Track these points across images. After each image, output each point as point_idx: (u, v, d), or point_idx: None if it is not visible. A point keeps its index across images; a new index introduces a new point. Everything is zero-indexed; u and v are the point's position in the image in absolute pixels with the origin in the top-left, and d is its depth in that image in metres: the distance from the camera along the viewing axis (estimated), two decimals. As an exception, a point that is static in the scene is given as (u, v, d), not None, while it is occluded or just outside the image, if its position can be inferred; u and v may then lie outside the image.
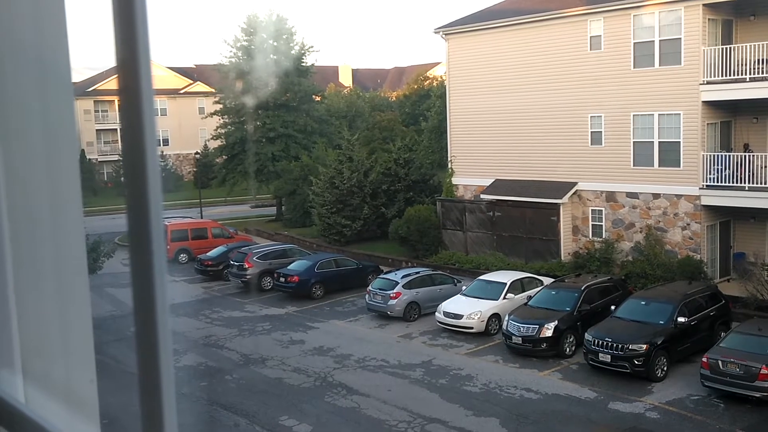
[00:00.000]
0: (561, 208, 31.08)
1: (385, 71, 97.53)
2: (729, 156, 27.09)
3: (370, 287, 27.93)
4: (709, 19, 27.12)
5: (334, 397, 19.71)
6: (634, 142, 29.18)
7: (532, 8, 32.42)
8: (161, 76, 76.14)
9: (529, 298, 24.39)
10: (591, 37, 30.11)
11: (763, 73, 25.74)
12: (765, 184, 25.93)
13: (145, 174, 0.99)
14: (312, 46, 51.87)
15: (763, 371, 17.55)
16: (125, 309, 28.74)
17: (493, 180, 33.74)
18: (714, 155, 27.22)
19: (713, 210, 27.84)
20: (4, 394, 1.33)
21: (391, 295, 26.58)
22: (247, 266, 32.61)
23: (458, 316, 24.58)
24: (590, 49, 30.19)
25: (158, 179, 1.01)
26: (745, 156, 26.71)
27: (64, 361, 1.41)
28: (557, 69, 31.15)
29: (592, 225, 30.90)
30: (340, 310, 28.88)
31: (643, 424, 17.44)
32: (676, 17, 27.47)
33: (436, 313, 25.43)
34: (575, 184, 31.03)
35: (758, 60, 25.91)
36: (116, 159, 74.83)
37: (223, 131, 51.96)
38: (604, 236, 30.28)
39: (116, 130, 76.84)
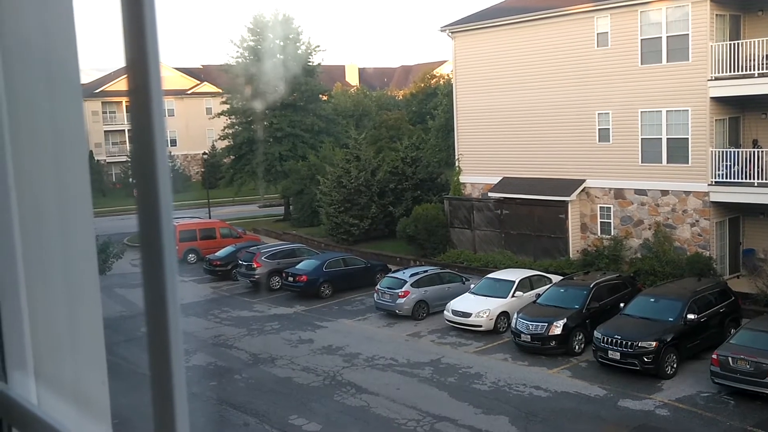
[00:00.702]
0: (569, 205, 31.01)
1: (391, 70, 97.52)
2: (738, 152, 26.98)
3: (378, 286, 27.91)
4: (716, 14, 27.00)
5: (343, 396, 19.72)
6: (642, 138, 29.08)
7: (538, 5, 32.35)
8: (168, 76, 76.28)
9: (538, 296, 24.35)
10: (598, 33, 30.02)
11: (771, 68, 25.63)
12: (774, 179, 25.82)
13: (155, 175, 0.99)
14: (318, 46, 51.94)
15: (774, 368, 17.47)
16: (135, 309, 28.82)
17: (500, 178, 33.69)
18: (722, 151, 27.11)
19: (722, 206, 27.73)
20: (16, 396, 1.33)
21: (400, 293, 26.58)
22: (255, 266, 32.64)
23: (467, 315, 24.56)
24: (597, 46, 30.10)
25: (168, 180, 1.01)
26: (753, 152, 26.59)
27: (75, 362, 1.41)
28: (564, 66, 31.08)
29: (601, 222, 30.82)
30: (349, 309, 28.89)
31: (653, 422, 17.39)
32: (684, 13, 27.37)
33: (445, 312, 25.41)
34: (583, 181, 30.95)
35: (766, 55, 25.79)
36: (124, 160, 75.06)
37: (230, 131, 52.06)
38: (612, 233, 30.20)
39: (124, 131, 77.10)
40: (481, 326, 24.32)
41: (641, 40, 28.63)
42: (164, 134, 1.01)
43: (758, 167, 26.18)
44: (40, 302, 1.40)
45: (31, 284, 1.40)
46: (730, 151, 27.05)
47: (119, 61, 1.04)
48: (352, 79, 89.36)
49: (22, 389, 1.36)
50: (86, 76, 78.86)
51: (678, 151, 28.09)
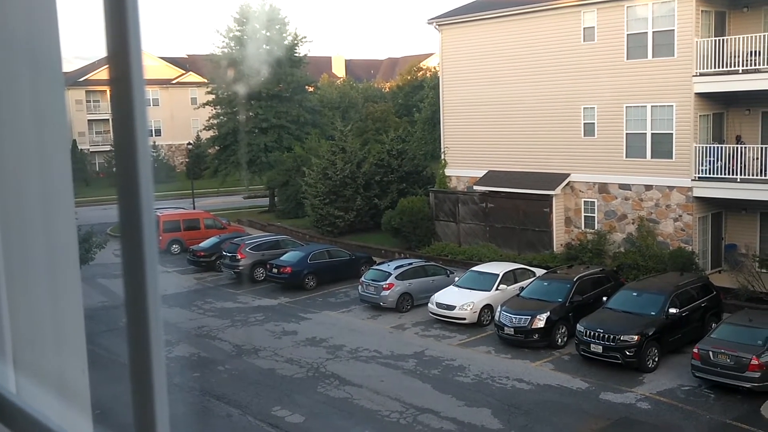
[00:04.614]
0: (554, 199, 31.13)
1: (378, 62, 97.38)
2: (721, 147, 27.17)
3: (362, 278, 27.94)
4: (702, 10, 27.14)
5: (327, 387, 19.74)
6: (626, 133, 29.23)
7: (525, -1, 32.40)
8: (153, 66, 75.81)
9: (522, 289, 24.46)
10: (584, 28, 30.11)
11: (755, 65, 25.79)
12: (756, 175, 26.02)
13: (136, 164, 0.99)
14: (305, 37, 51.86)
15: (754, 362, 17.66)
16: (117, 300, 28.69)
17: (486, 171, 33.77)
18: (706, 147, 27.29)
19: (705, 201, 27.94)
20: (-5, 385, 1.33)
21: (384, 286, 26.61)
22: (239, 257, 32.58)
23: (451, 307, 24.63)
24: (583, 41, 30.19)
25: (149, 170, 1.01)
26: (737, 147, 26.78)
27: (55, 351, 1.41)
28: (551, 60, 31.15)
29: (585, 216, 30.97)
30: (333, 301, 28.90)
31: (634, 415, 17.54)
32: (670, 9, 27.49)
33: (429, 304, 25.47)
34: (568, 175, 31.07)
35: (751, 52, 25.96)
36: (108, 149, 74.56)
37: (215, 122, 51.81)
38: (596, 227, 30.35)
39: (108, 120, 76.57)
40: (464, 319, 24.40)
41: (627, 35, 28.75)
42: (146, 124, 1.00)
43: (741, 163, 26.38)
44: (20, 291, 1.39)
45: (12, 273, 1.39)
46: (714, 147, 27.23)
47: (103, 49, 1.03)
48: (339, 70, 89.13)
49: (1, 378, 1.36)
50: (69, 65, 78.30)
51: (662, 146, 28.25)
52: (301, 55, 51.73)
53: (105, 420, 15.68)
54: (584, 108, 30.46)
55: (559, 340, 22.23)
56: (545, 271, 26.64)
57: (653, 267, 26.36)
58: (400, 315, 26.30)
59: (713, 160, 27.09)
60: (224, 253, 33.64)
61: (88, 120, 76.39)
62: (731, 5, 27.91)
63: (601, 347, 20.15)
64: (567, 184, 31.19)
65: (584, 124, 30.58)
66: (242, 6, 50.41)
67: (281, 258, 31.48)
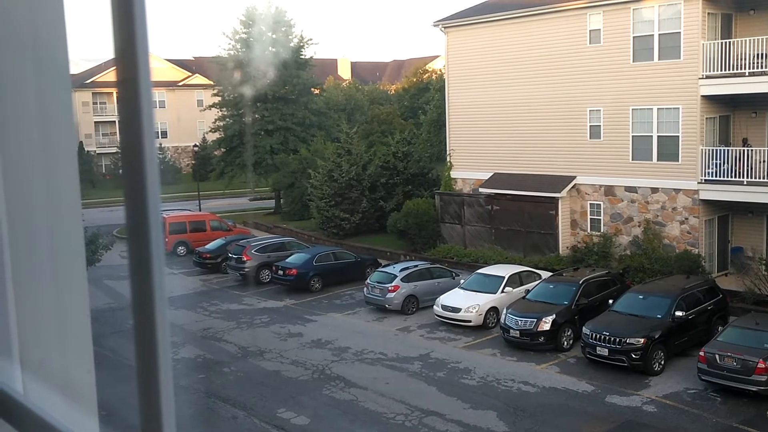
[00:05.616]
0: (559, 201, 31.09)
1: (384, 64, 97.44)
2: (727, 150, 27.10)
3: (368, 280, 27.93)
4: (708, 13, 27.09)
5: (332, 389, 19.74)
6: (632, 136, 29.17)
7: (531, 2, 32.35)
8: (159, 68, 76.00)
9: (527, 291, 24.42)
10: (590, 30, 30.07)
11: (762, 67, 25.72)
12: (763, 178, 25.94)
13: (143, 166, 0.99)
14: (311, 39, 51.99)
15: (760, 365, 17.60)
16: (123, 301, 28.75)
17: (491, 174, 33.73)
18: (712, 149, 27.22)
19: (711, 204, 27.86)
20: (2, 385, 1.33)
21: (390, 288, 26.60)
22: (245, 259, 32.60)
23: (456, 310, 24.61)
24: (589, 43, 30.15)
25: (156, 172, 1.01)
26: (743, 150, 26.71)
27: (61, 351, 1.41)
28: (556, 63, 31.12)
29: (591, 219, 30.91)
30: (339, 303, 28.90)
31: (640, 418, 17.49)
32: (676, 11, 27.44)
33: (434, 307, 25.45)
34: (574, 178, 31.02)
35: (757, 54, 25.89)
36: (115, 151, 74.76)
37: (221, 124, 51.91)
38: (602, 230, 30.29)
39: (115, 122, 76.76)
40: (470, 321, 24.38)
41: (633, 37, 28.70)
42: (153, 126, 1.01)
43: (747, 166, 26.30)
44: (27, 291, 1.40)
45: (19, 274, 1.40)
46: (720, 150, 27.16)
47: (110, 51, 1.03)
48: (345, 72, 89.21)
49: (7, 378, 1.36)
50: (76, 67, 78.54)
51: (668, 148, 28.19)
52: (307, 57, 51.79)
53: (112, 421, 15.71)
54: (590, 110, 30.42)
55: (565, 343, 22.19)
56: (551, 273, 26.60)
57: (659, 270, 26.30)
58: (405, 317, 26.29)
59: (719, 163, 27.02)
60: (230, 255, 33.67)
61: (95, 122, 76.62)
62: (737, 8, 27.84)
63: (607, 350, 20.10)
64: (573, 187, 31.14)
65: (590, 126, 30.53)
66: (248, 8, 50.52)
67: (287, 260, 31.50)
